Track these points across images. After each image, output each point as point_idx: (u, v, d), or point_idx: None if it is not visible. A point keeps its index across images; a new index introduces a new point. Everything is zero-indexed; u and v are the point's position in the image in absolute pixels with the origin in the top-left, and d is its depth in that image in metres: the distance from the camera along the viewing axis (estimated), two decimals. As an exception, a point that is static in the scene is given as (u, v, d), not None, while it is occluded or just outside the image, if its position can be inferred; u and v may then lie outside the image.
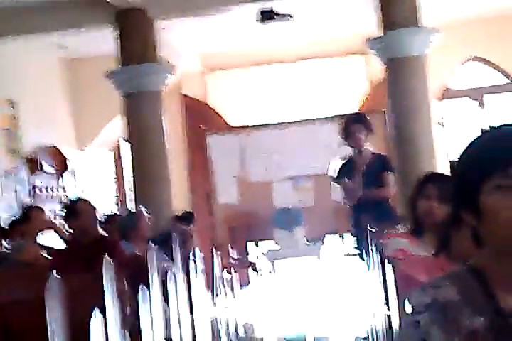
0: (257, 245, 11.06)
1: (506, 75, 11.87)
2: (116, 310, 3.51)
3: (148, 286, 4.25)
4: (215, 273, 7.27)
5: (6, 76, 9.58)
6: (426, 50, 8.78)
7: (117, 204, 12.39)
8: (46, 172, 10.19)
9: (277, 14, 9.84)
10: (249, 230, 11.15)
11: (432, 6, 9.52)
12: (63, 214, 6.31)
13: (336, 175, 7.43)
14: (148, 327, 4.13)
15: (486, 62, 11.84)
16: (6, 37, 9.14)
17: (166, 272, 5.05)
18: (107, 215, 8.50)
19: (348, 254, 9.98)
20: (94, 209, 6.07)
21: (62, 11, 9.01)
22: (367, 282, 6.33)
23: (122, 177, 12.51)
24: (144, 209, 6.89)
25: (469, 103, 12.10)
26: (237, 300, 8.70)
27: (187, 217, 8.36)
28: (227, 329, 7.13)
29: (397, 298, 4.01)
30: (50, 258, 6.11)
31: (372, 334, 6.59)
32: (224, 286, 9.07)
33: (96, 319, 3.04)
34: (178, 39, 10.82)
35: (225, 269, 8.51)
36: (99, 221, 6.63)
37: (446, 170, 9.79)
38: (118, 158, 12.66)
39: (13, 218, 7.95)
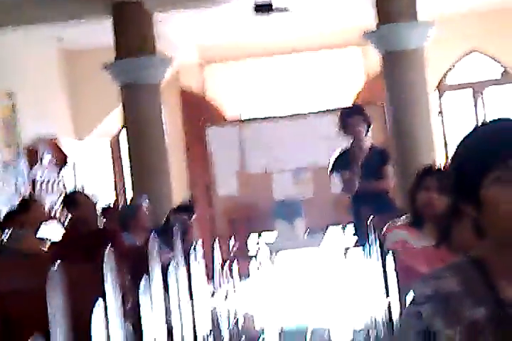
0: (259, 236, 11.07)
1: (504, 68, 11.87)
2: (117, 301, 3.51)
3: (148, 277, 4.26)
4: (215, 264, 7.28)
5: (5, 67, 9.56)
6: (423, 43, 8.78)
7: (116, 195, 12.40)
8: (46, 165, 10.19)
9: (274, 7, 9.82)
10: (249, 222, 11.16)
11: (430, -2, 9.52)
12: (63, 205, 6.32)
13: (331, 167, 7.45)
14: (149, 317, 4.14)
15: (485, 55, 11.84)
16: (4, 28, 9.12)
17: (167, 263, 5.06)
18: (105, 207, 8.51)
19: (349, 246, 9.98)
20: (93, 201, 6.09)
21: (61, 2, 9.00)
22: (367, 273, 6.34)
23: (121, 169, 12.52)
24: (143, 199, 6.89)
25: (468, 96, 12.09)
26: (237, 292, 8.71)
27: (187, 208, 8.35)
28: (228, 320, 7.14)
29: (398, 289, 4.02)
30: (49, 248, 6.12)
31: (372, 325, 6.60)
32: (224, 278, 9.08)
33: (97, 309, 3.05)
34: (175, 31, 10.79)
35: (226, 261, 8.53)
36: (99, 212, 6.65)
37: (444, 163, 9.81)
38: (117, 150, 12.65)
39: (11, 209, 7.95)
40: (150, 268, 4.42)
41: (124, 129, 9.50)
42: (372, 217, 5.67)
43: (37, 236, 6.97)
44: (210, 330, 6.25)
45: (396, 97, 8.75)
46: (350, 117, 7.33)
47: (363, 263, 6.88)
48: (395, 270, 4.09)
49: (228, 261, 9.00)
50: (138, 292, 4.08)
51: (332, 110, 10.97)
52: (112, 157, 12.66)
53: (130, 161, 9.30)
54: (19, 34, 9.56)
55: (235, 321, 7.59)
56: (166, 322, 4.68)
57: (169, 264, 5.22)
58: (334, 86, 12.15)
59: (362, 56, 12.15)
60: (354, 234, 8.07)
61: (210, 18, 10.50)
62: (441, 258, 3.13)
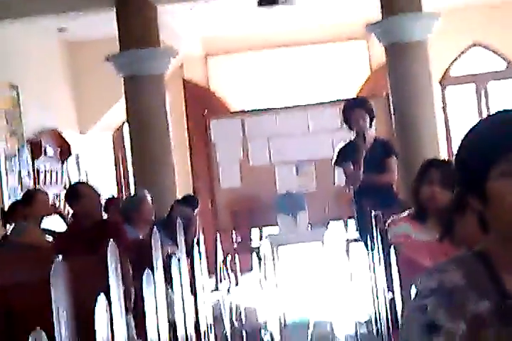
0: (260, 230, 11.06)
1: (507, 61, 11.84)
2: (120, 294, 3.51)
3: (152, 270, 4.25)
4: (217, 257, 7.29)
5: (8, 59, 9.55)
6: (427, 35, 8.75)
7: (119, 188, 12.40)
8: (49, 157, 10.19)
9: (278, 0, 9.79)
10: (251, 215, 11.15)
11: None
12: (66, 197, 6.31)
13: (335, 159, 7.43)
14: (152, 310, 4.14)
15: (487, 48, 11.81)
16: (5, 20, 9.11)
17: (170, 256, 5.05)
18: (109, 197, 8.51)
19: (351, 240, 9.99)
20: (97, 193, 6.07)
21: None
22: (370, 267, 6.34)
23: (124, 162, 12.51)
24: (146, 192, 6.88)
25: (471, 90, 12.07)
26: (239, 285, 8.72)
27: (190, 201, 8.34)
28: (230, 313, 7.15)
29: (401, 283, 4.02)
30: (52, 241, 6.12)
31: (375, 318, 6.61)
32: (227, 271, 9.08)
33: (101, 302, 3.05)
34: (179, 23, 10.78)
35: (228, 254, 8.53)
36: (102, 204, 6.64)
37: (448, 156, 9.81)
38: (120, 143, 12.65)
39: (15, 200, 7.95)
40: (153, 262, 4.41)
41: (127, 121, 9.48)
42: (375, 210, 5.67)
43: (40, 226, 6.98)
44: (212, 324, 6.26)
45: (400, 89, 8.73)
46: (353, 109, 7.30)
47: (365, 256, 6.87)
48: (398, 263, 4.09)
49: (231, 254, 9.03)
50: (141, 285, 4.08)
51: (335, 102, 10.96)
52: (115, 150, 12.66)
53: (133, 153, 9.28)
54: (22, 26, 9.54)
55: (237, 314, 7.59)
56: (169, 316, 4.68)
57: (171, 257, 5.21)
58: (338, 78, 12.13)
59: (366, 48, 12.14)
60: (356, 228, 8.06)
61: (214, 10, 10.48)
62: (445, 252, 3.11)
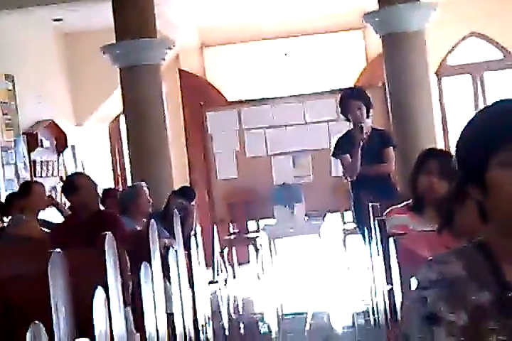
0: (257, 222, 11.06)
1: (504, 51, 11.82)
2: (118, 286, 3.51)
3: (149, 262, 4.25)
4: (214, 249, 7.29)
5: (4, 50, 9.52)
6: (425, 25, 8.73)
7: (116, 179, 12.39)
8: (46, 148, 10.17)
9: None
10: (248, 206, 11.14)
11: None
12: (63, 189, 6.30)
13: (333, 150, 7.42)
14: (149, 302, 4.14)
15: (484, 37, 11.79)
16: (1, 10, 9.07)
17: (167, 248, 5.05)
18: (106, 188, 8.50)
19: (348, 231, 9.99)
20: (94, 184, 6.06)
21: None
22: (367, 258, 6.34)
23: (121, 153, 12.50)
24: (143, 184, 6.87)
25: (467, 80, 12.05)
26: (237, 277, 8.74)
27: (186, 192, 8.33)
28: (228, 305, 7.16)
29: (399, 274, 4.01)
30: (49, 233, 6.11)
31: (372, 309, 6.62)
32: (224, 263, 9.08)
33: (99, 294, 3.04)
34: (175, 13, 10.75)
35: (225, 247, 8.55)
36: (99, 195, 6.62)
37: (445, 146, 9.80)
38: (116, 134, 12.63)
39: (12, 192, 7.94)
40: (151, 254, 4.41)
41: (123, 112, 9.45)
42: (372, 201, 5.66)
43: (37, 218, 6.97)
44: (210, 316, 6.26)
45: (397, 80, 8.71)
46: (350, 100, 7.28)
47: (362, 248, 6.88)
48: (396, 253, 4.08)
49: (227, 247, 9.03)
50: (138, 277, 4.08)
51: (332, 92, 10.95)
52: (111, 141, 12.64)
53: (129, 145, 9.25)
54: (18, 17, 9.51)
55: (234, 306, 7.61)
56: (166, 308, 4.68)
57: (168, 249, 5.21)
58: (334, 69, 12.11)
59: (362, 38, 12.12)
60: (354, 219, 8.05)
61: (209, 1, 10.45)
62: (443, 243, 3.11)
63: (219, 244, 9.64)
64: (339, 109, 7.49)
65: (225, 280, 9.42)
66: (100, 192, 7.22)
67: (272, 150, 11.38)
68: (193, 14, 11.13)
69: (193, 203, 8.22)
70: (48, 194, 8.10)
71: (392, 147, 7.30)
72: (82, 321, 3.00)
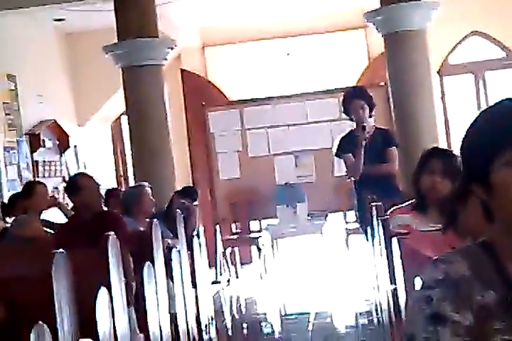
0: (260, 222, 11.05)
1: (506, 50, 11.81)
2: (121, 286, 3.51)
3: (152, 262, 4.25)
4: (217, 249, 7.28)
5: (5, 50, 9.52)
6: (426, 24, 8.72)
7: (118, 179, 12.39)
8: (48, 149, 10.17)
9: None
10: (250, 206, 11.13)
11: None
12: (66, 189, 6.30)
13: (336, 150, 7.42)
14: (153, 302, 4.13)
15: (486, 36, 11.78)
16: (2, 10, 9.06)
17: (170, 248, 5.05)
18: (109, 189, 8.50)
19: (351, 230, 9.99)
20: (97, 184, 6.06)
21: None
22: (370, 258, 6.33)
23: (123, 153, 12.50)
24: (146, 184, 6.87)
25: (469, 80, 12.05)
26: (239, 277, 8.74)
27: (189, 192, 8.32)
28: (231, 305, 7.15)
29: (403, 273, 4.01)
30: (52, 233, 6.11)
31: (375, 309, 6.61)
32: (226, 263, 9.07)
33: (102, 295, 3.04)
34: (176, 13, 10.75)
35: (228, 246, 8.54)
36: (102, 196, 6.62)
37: (447, 146, 9.79)
38: (119, 134, 12.63)
39: (15, 193, 7.94)
40: (154, 254, 4.41)
41: (126, 112, 9.45)
42: (375, 200, 5.66)
43: (40, 218, 6.97)
44: (213, 316, 6.26)
45: (399, 79, 8.70)
46: (352, 99, 7.28)
47: (364, 247, 6.87)
48: (400, 253, 4.08)
49: (230, 247, 9.02)
50: (141, 277, 4.08)
51: (334, 92, 10.94)
52: (113, 141, 12.64)
53: (131, 144, 9.24)
54: (19, 17, 9.51)
55: (237, 306, 7.60)
56: (170, 308, 4.68)
57: (171, 249, 5.21)
58: (336, 68, 12.11)
59: (364, 37, 12.12)
60: (356, 219, 8.05)
61: (211, 1, 10.45)
62: (447, 243, 3.11)
63: (222, 243, 9.64)
64: (342, 108, 7.49)
65: (228, 280, 9.42)
66: (103, 192, 7.22)
67: (274, 150, 11.37)
68: (195, 14, 11.13)
69: (195, 203, 8.21)
70: (50, 194, 8.10)
71: (394, 146, 7.29)
72: (86, 321, 2.99)
